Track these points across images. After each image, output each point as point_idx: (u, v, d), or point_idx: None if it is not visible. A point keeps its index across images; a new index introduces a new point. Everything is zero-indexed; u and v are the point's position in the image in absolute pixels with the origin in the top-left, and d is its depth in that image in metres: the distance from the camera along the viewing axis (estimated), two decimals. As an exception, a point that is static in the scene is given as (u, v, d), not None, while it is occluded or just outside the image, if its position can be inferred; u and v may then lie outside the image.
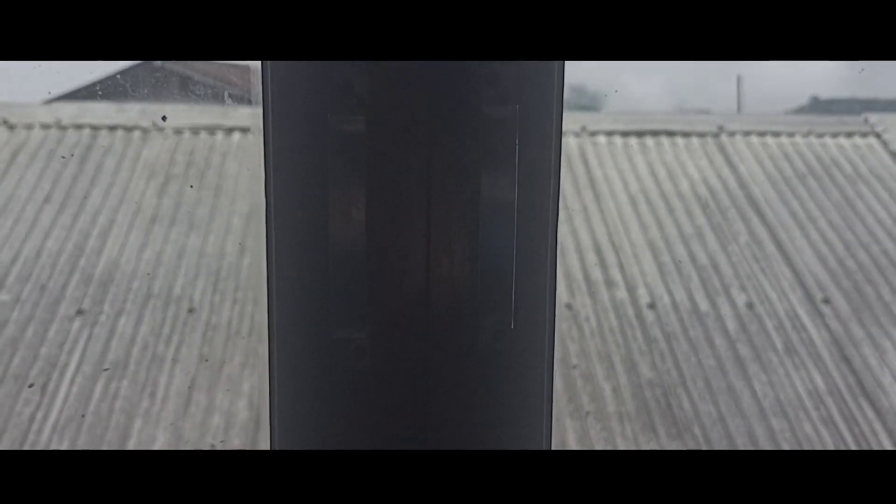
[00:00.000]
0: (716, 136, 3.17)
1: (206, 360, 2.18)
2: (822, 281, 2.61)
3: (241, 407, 2.11)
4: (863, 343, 2.43)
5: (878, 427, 2.20)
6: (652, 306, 2.49)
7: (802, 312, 2.50)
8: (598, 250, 2.65)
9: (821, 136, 3.21)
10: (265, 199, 0.54)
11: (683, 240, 2.70)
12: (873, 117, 3.31)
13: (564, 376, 2.27)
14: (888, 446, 2.15)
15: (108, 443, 2.02)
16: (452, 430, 0.55)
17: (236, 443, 2.04)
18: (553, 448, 0.59)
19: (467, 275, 0.53)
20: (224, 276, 2.44)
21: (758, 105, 3.57)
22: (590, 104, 3.32)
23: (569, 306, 2.48)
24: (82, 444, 2.01)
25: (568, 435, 2.13)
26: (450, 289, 0.53)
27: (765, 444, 2.13)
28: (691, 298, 2.52)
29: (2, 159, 2.75)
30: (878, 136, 3.22)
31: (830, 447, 2.13)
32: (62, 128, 2.91)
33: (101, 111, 2.94)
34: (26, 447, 1.99)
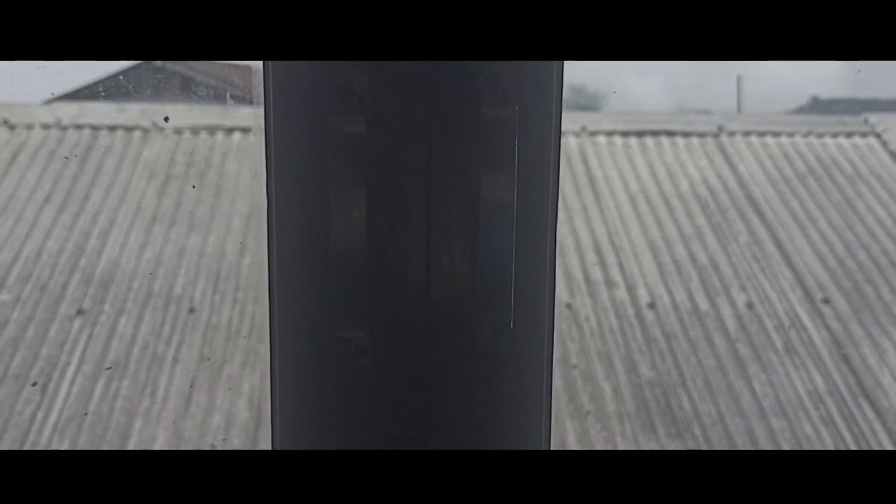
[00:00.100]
0: (716, 136, 3.17)
1: (208, 360, 2.18)
2: (822, 281, 2.61)
3: (241, 407, 2.11)
4: (862, 343, 2.43)
5: (878, 427, 2.20)
6: (652, 306, 2.49)
7: (802, 312, 2.50)
8: (598, 250, 2.65)
9: (821, 136, 3.22)
10: (266, 199, 0.54)
11: (683, 240, 2.70)
12: (873, 117, 3.32)
13: (564, 376, 2.27)
14: (888, 446, 2.15)
15: (109, 442, 2.02)
16: (452, 428, 0.55)
17: (237, 443, 2.05)
18: (553, 447, 0.59)
19: (467, 274, 0.54)
20: (224, 276, 2.45)
21: (758, 105, 3.57)
22: (590, 104, 3.32)
23: (569, 306, 2.48)
24: (83, 444, 2.01)
25: (568, 434, 2.13)
26: (450, 288, 0.53)
27: (765, 444, 2.13)
28: (691, 298, 2.52)
29: (2, 159, 2.75)
30: (877, 136, 3.22)
31: (830, 447, 2.13)
32: (62, 128, 2.91)
33: (102, 111, 2.95)
34: (27, 447, 1.99)
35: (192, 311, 2.34)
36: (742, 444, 2.13)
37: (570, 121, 3.11)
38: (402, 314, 0.53)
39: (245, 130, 2.90)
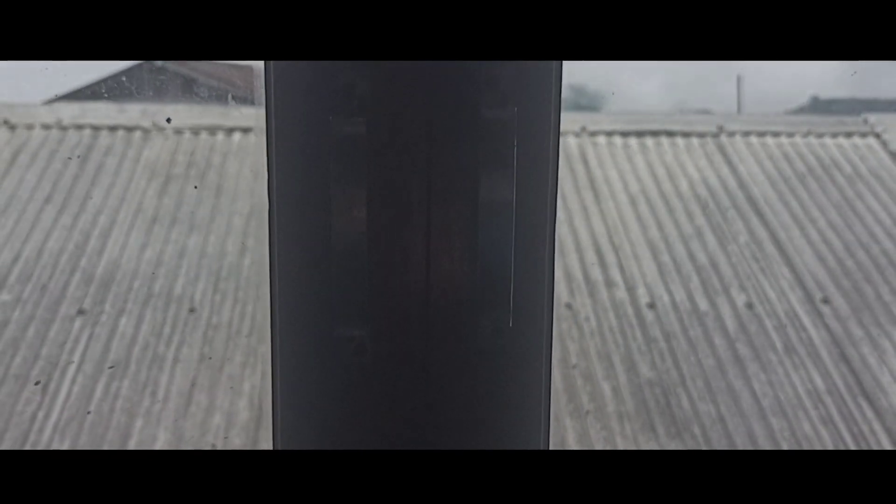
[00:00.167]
0: (715, 136, 3.18)
1: (210, 358, 2.19)
2: (822, 281, 2.62)
3: (241, 406, 2.12)
4: (862, 343, 2.43)
5: (877, 426, 2.21)
6: (651, 306, 2.49)
7: (802, 312, 2.50)
8: (598, 250, 2.66)
9: (820, 136, 3.22)
10: (268, 199, 0.55)
11: (683, 240, 2.70)
12: (873, 117, 3.32)
13: (564, 376, 2.28)
14: (887, 446, 2.15)
15: (110, 442, 2.02)
16: (452, 426, 0.56)
17: (237, 442, 2.05)
18: (553, 447, 0.60)
19: (467, 273, 0.54)
20: (225, 275, 2.45)
21: (758, 105, 3.57)
22: (590, 104, 3.32)
23: (568, 306, 2.48)
24: (83, 444, 2.01)
25: (568, 434, 2.14)
26: (449, 287, 0.54)
27: (764, 444, 2.13)
28: (691, 298, 2.52)
29: (3, 159, 2.76)
30: (877, 136, 3.23)
31: (829, 446, 2.14)
32: (63, 128, 2.91)
33: (102, 111, 2.95)
34: (27, 447, 2.00)
35: (192, 311, 2.35)
36: (741, 443, 2.14)
37: (570, 121, 3.12)
38: (402, 313, 0.54)
39: (245, 131, 2.90)
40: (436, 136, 0.53)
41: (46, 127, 2.91)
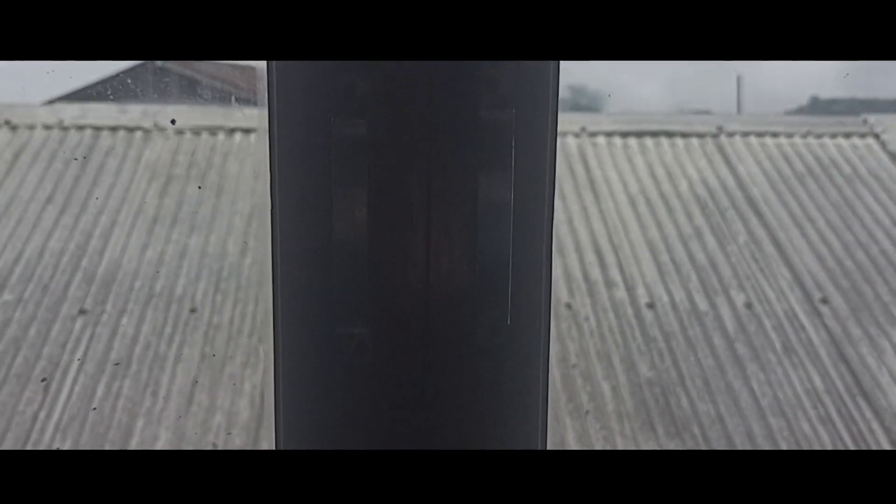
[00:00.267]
0: (715, 136, 3.18)
1: (214, 355, 2.19)
2: (821, 281, 2.62)
3: (242, 406, 2.12)
4: (861, 343, 2.44)
5: (876, 426, 2.21)
6: (651, 306, 2.50)
7: (801, 312, 2.51)
8: (598, 250, 2.66)
9: (819, 136, 3.23)
10: (270, 199, 0.55)
11: (682, 240, 2.71)
12: (872, 118, 3.33)
13: (564, 375, 2.28)
14: (886, 445, 2.16)
15: (111, 441, 2.03)
16: (452, 423, 0.56)
17: (238, 442, 2.06)
18: (552, 446, 0.60)
19: (466, 272, 0.55)
20: (226, 275, 2.46)
21: (758, 105, 3.58)
22: (590, 105, 3.33)
23: (568, 306, 2.49)
24: (85, 443, 2.02)
25: (567, 433, 2.14)
26: (449, 286, 0.55)
27: (763, 443, 2.14)
28: (690, 298, 2.53)
29: (4, 160, 2.77)
30: (876, 136, 3.23)
31: (828, 446, 2.14)
32: (64, 128, 2.92)
33: (103, 112, 2.96)
34: (29, 446, 2.00)
35: (193, 310, 2.36)
36: (740, 443, 2.14)
37: (570, 122, 3.12)
38: (402, 311, 0.55)
39: (246, 131, 2.91)
40: (435, 137, 0.53)
41: (48, 127, 2.92)
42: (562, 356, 2.33)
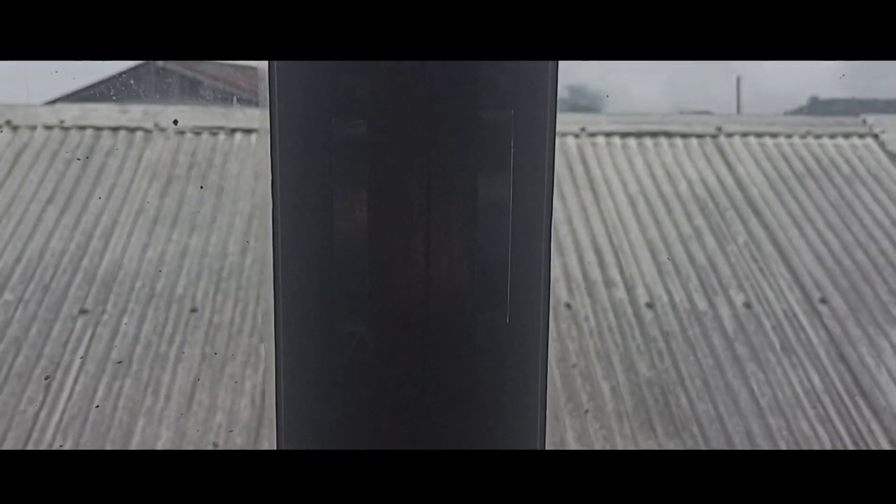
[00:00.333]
0: (714, 137, 3.19)
1: (216, 353, 2.20)
2: (820, 281, 2.63)
3: (243, 405, 2.13)
4: (860, 342, 2.44)
5: (875, 426, 2.22)
6: (650, 306, 2.50)
7: (800, 312, 2.51)
8: (598, 250, 2.67)
9: (819, 137, 3.23)
10: (272, 198, 0.56)
11: (682, 240, 2.71)
12: (871, 118, 3.33)
13: (564, 375, 2.29)
14: (884, 445, 2.16)
15: (112, 441, 2.03)
16: (451, 420, 0.57)
17: (238, 441, 2.06)
18: (552, 445, 0.60)
19: (465, 271, 0.55)
20: (226, 275, 2.46)
21: (757, 106, 3.58)
22: (589, 105, 3.33)
23: (568, 306, 2.49)
24: (86, 443, 2.02)
25: (567, 433, 2.15)
26: (448, 284, 0.55)
27: (762, 443, 2.14)
28: (690, 298, 2.53)
29: (5, 160, 2.77)
30: (875, 137, 3.24)
31: (827, 446, 2.15)
32: (65, 129, 2.92)
33: (104, 112, 2.96)
34: (30, 446, 2.01)
35: (194, 310, 2.36)
36: (740, 442, 2.15)
37: (570, 122, 3.12)
38: (402, 310, 0.55)
39: (247, 132, 2.91)
40: (436, 137, 0.54)
41: (49, 128, 2.92)
42: (561, 356, 2.33)
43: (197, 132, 2.92)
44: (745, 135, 3.20)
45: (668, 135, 3.16)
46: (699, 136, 3.18)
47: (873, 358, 2.40)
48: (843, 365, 2.37)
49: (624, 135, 3.13)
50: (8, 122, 2.92)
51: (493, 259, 0.56)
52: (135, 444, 2.03)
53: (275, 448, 0.58)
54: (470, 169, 0.54)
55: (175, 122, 2.88)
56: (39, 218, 2.59)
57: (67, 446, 2.01)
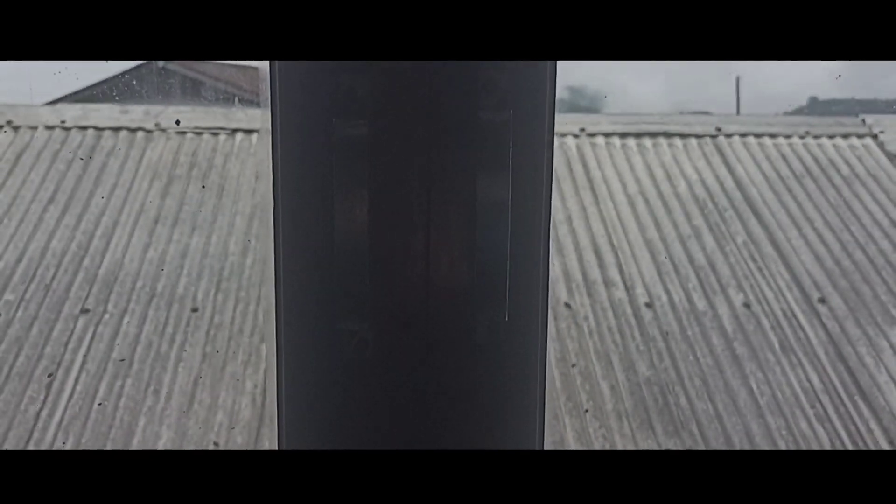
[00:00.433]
0: (714, 137, 3.19)
1: (218, 352, 2.20)
2: (819, 281, 2.63)
3: (244, 405, 2.13)
4: (859, 342, 2.45)
5: (874, 425, 2.22)
6: (650, 305, 2.51)
7: (799, 312, 2.52)
8: (597, 250, 2.67)
9: (818, 137, 3.23)
10: (273, 198, 0.56)
11: (681, 240, 2.72)
12: (870, 118, 3.33)
13: (563, 374, 2.29)
14: (883, 444, 2.17)
15: (113, 440, 2.04)
16: (450, 419, 0.57)
17: (239, 440, 2.06)
18: (552, 444, 0.61)
19: (465, 270, 0.56)
20: (227, 275, 2.46)
21: (756, 106, 3.58)
22: (589, 106, 3.33)
23: (567, 305, 2.50)
24: (87, 442, 2.03)
25: (567, 432, 2.15)
26: (448, 284, 0.56)
27: (761, 442, 2.15)
28: (689, 298, 2.54)
29: (6, 160, 2.77)
30: (874, 137, 3.24)
31: (826, 445, 2.15)
32: (66, 129, 2.93)
33: (105, 113, 2.96)
34: (31, 445, 2.01)
35: (195, 310, 2.36)
36: (739, 441, 2.15)
37: (569, 122, 3.13)
38: (402, 309, 0.56)
39: (247, 132, 2.92)
40: (435, 137, 0.54)
41: (49, 128, 2.93)
42: (561, 355, 2.33)
43: (198, 132, 2.92)
44: (744, 135, 3.20)
45: (668, 135, 3.16)
46: (698, 137, 3.18)
47: (872, 358, 2.41)
48: (842, 365, 2.38)
49: (623, 135, 3.13)
50: (9, 123, 2.92)
51: (493, 258, 0.56)
52: (136, 444, 2.03)
53: (276, 447, 0.58)
54: (469, 169, 0.55)
55: (177, 122, 2.89)
56: (41, 218, 2.60)
57: (68, 446, 2.01)
